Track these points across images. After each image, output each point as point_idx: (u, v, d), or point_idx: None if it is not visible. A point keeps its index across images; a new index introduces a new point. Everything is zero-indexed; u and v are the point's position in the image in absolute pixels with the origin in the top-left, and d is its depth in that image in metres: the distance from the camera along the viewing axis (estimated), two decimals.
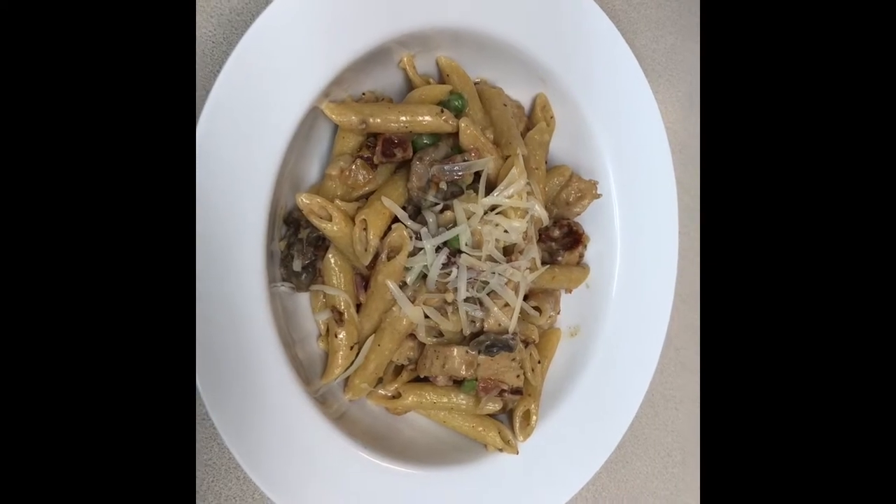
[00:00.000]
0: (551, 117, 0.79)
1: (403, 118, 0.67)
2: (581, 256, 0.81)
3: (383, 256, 0.66)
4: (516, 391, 0.71)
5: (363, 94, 0.71)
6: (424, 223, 0.67)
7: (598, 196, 0.79)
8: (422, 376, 0.72)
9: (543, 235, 0.78)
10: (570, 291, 0.82)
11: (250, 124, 0.61)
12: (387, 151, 0.67)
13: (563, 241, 0.79)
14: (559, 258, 0.79)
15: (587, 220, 0.81)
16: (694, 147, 0.97)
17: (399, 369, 0.73)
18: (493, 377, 0.70)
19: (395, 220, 0.67)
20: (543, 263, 0.75)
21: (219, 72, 0.59)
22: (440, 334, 0.71)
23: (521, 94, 0.79)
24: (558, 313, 0.81)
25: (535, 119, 0.79)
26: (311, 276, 0.69)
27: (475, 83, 0.76)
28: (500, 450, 0.73)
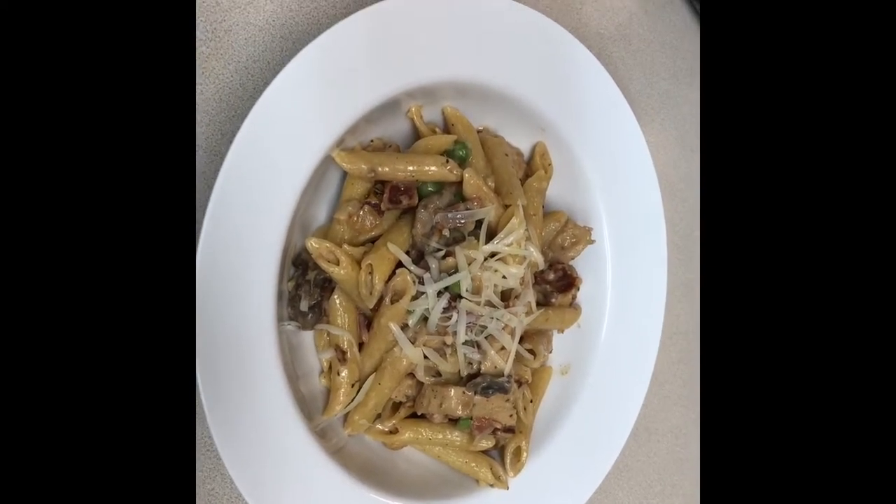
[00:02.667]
0: (549, 164, 0.83)
1: (410, 167, 0.70)
2: (574, 298, 0.84)
3: (387, 300, 0.69)
4: (509, 430, 0.74)
5: (371, 140, 0.73)
6: (427, 268, 0.69)
7: (592, 242, 0.82)
8: (419, 413, 0.74)
9: (538, 278, 0.81)
10: (563, 331, 0.85)
11: (269, 171, 0.64)
12: (394, 199, 0.70)
13: (557, 283, 0.82)
14: (553, 300, 0.82)
15: (580, 261, 0.85)
16: (684, 188, 1.01)
17: (397, 406, 0.75)
18: (488, 417, 0.72)
19: (400, 264, 0.70)
20: (538, 305, 0.78)
21: (237, 117, 0.62)
22: (438, 374, 0.73)
23: (521, 141, 0.83)
24: (550, 352, 0.84)
25: (534, 166, 0.82)
26: (317, 315, 0.71)
27: (478, 131, 0.79)
28: (492, 485, 0.76)
